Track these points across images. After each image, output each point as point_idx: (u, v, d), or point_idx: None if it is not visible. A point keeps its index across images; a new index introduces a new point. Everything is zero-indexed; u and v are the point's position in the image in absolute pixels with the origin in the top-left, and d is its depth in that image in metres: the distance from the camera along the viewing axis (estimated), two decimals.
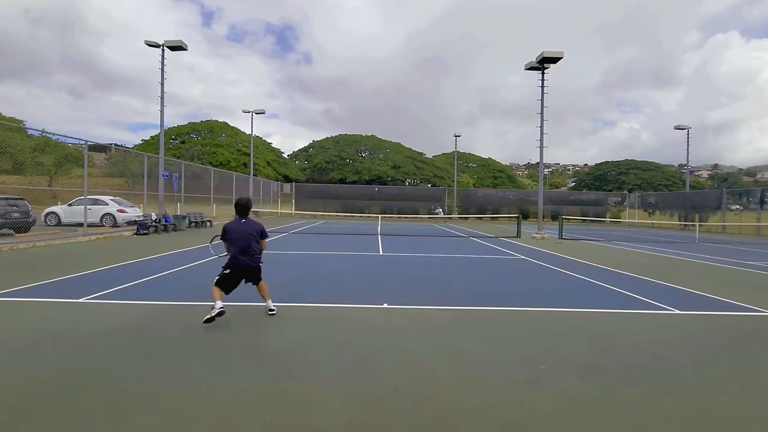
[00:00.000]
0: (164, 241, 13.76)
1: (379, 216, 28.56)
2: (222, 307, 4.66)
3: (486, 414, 2.87)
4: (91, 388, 3.10)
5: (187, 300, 5.79)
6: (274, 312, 5.18)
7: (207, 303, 5.65)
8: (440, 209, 33.68)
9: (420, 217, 32.94)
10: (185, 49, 18.88)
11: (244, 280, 5.15)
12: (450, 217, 31.98)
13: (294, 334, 4.48)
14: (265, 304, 5.29)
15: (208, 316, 4.58)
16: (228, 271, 5.00)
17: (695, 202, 33.46)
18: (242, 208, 5.17)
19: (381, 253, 12.03)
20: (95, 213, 16.83)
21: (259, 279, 5.26)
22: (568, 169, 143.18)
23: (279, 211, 34.86)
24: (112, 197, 18.18)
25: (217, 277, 5.00)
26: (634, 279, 8.56)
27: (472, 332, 4.72)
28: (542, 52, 18.01)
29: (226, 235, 5.09)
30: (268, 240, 5.32)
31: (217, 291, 4.86)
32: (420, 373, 3.53)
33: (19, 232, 12.57)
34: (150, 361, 3.63)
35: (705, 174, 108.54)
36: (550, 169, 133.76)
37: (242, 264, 5.02)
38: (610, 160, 74.27)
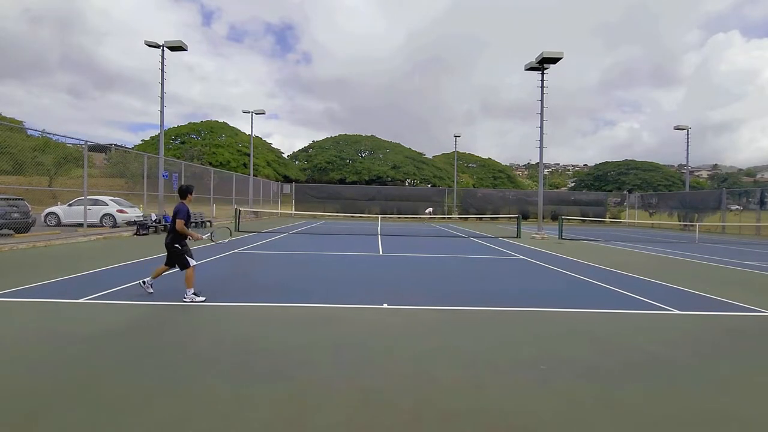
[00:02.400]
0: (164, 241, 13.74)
1: (379, 216, 28.58)
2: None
3: (486, 414, 2.87)
4: (91, 388, 3.10)
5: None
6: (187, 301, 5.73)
7: (206, 303, 5.68)
8: (430, 209, 36.53)
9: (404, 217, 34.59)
10: (185, 50, 18.87)
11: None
12: (390, 217, 34.36)
13: (294, 334, 4.48)
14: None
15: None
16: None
17: (695, 203, 33.44)
18: (180, 192, 6.19)
19: (381, 253, 12.03)
20: (95, 213, 16.82)
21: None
22: (568, 170, 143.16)
23: (279, 211, 34.85)
24: (112, 197, 18.16)
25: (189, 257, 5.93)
26: (634, 279, 8.56)
27: (472, 332, 4.72)
28: (542, 53, 17.99)
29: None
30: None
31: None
32: (420, 373, 3.53)
33: (19, 233, 12.55)
34: (149, 362, 3.63)
35: (705, 174, 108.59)
36: (550, 170, 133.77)
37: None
38: (610, 161, 74.37)
